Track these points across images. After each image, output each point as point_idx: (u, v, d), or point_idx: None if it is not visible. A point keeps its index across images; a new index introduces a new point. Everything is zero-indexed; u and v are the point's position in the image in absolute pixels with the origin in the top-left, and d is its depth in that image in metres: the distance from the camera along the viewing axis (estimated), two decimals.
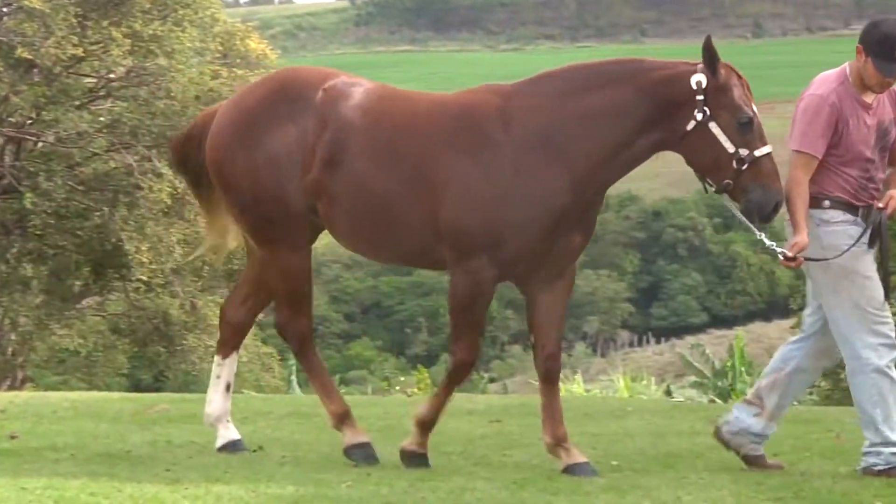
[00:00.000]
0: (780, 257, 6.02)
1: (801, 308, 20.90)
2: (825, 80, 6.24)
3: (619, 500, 5.45)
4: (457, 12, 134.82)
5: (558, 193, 5.91)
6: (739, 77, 5.98)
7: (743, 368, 23.33)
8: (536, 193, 5.88)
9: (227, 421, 6.62)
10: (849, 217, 6.18)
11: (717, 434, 6.51)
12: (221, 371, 6.61)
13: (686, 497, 5.45)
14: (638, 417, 8.40)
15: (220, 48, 22.34)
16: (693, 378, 27.36)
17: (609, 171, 6.10)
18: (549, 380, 6.14)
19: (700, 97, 5.89)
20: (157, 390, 22.38)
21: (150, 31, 19.57)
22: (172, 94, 19.84)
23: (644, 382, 24.52)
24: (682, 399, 21.16)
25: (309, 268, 6.40)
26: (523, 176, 5.88)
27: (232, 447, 6.55)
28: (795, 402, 6.70)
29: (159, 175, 19.47)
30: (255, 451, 6.69)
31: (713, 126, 5.89)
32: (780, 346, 6.66)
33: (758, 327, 62.73)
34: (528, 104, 5.98)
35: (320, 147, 6.03)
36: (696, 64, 5.98)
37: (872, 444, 6.18)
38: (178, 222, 20.95)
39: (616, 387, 22.37)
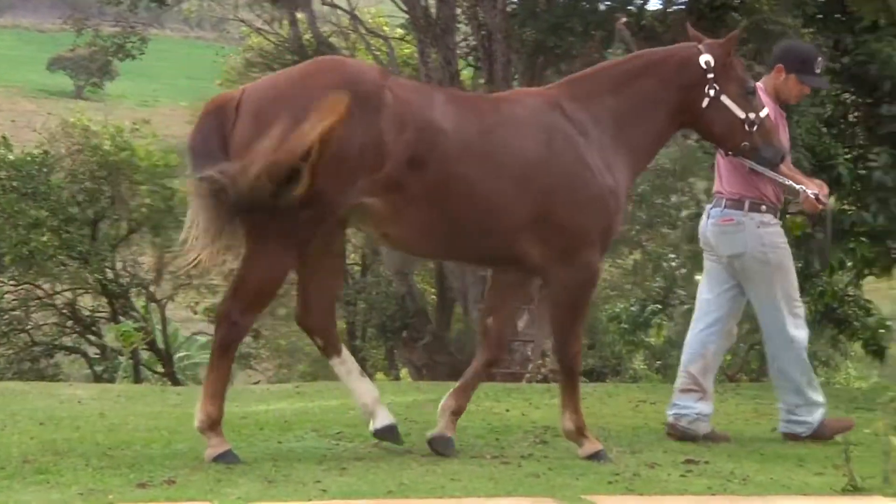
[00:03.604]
0: (813, 198, 6.60)
1: None
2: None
3: None
4: None
5: (628, 183, 6.14)
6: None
7: None
8: (621, 183, 5.96)
9: (381, 404, 6.03)
10: (776, 220, 6.82)
11: (674, 429, 6.69)
12: (347, 366, 5.99)
13: None
14: None
15: None
16: None
17: (650, 157, 6.49)
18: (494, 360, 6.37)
19: (711, 75, 6.16)
20: None
21: None
22: None
23: None
24: None
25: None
26: (611, 169, 5.90)
27: (388, 431, 5.98)
28: None
29: None
30: None
31: (724, 98, 6.18)
32: None
33: None
34: (582, 106, 5.97)
35: (400, 146, 5.49)
36: (694, 45, 6.27)
37: (796, 407, 6.81)
38: None
39: None
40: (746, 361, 21.25)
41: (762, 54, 17.92)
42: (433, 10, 19.82)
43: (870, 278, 17.90)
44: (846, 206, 12.48)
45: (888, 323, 21.20)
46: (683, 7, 18.43)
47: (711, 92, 6.17)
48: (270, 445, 6.10)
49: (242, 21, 25.48)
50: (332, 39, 22.70)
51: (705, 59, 6.18)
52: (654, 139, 6.24)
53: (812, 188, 6.69)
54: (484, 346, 6.26)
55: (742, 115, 6.22)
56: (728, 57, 6.23)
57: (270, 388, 11.50)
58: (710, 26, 17.80)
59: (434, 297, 24.06)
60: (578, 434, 5.94)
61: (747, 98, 6.25)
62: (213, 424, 5.53)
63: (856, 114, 15.06)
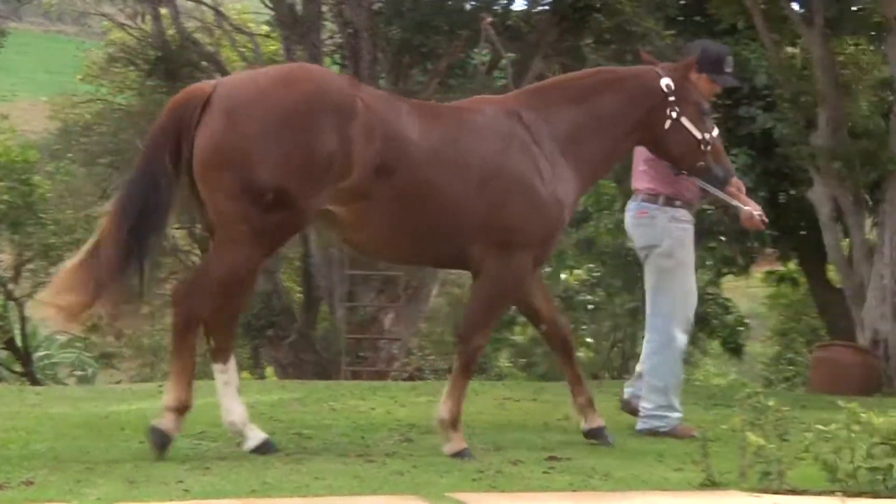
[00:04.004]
0: (758, 219, 6.89)
1: None
2: None
3: None
4: None
5: (576, 195, 6.27)
6: None
7: None
8: (569, 195, 6.10)
9: (251, 423, 5.96)
10: (690, 216, 7.04)
11: (627, 405, 7.22)
12: (227, 378, 5.93)
13: None
14: None
15: None
16: None
17: (601, 173, 6.68)
18: (570, 352, 6.55)
19: (672, 98, 6.34)
20: None
21: None
22: None
23: None
24: None
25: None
26: (560, 180, 6.03)
27: (265, 447, 5.82)
28: None
29: None
30: None
31: (684, 120, 6.37)
32: None
33: None
34: (540, 116, 6.11)
35: (369, 155, 5.61)
36: (653, 68, 6.48)
37: (658, 407, 6.96)
38: None
39: None
40: (609, 359, 21.60)
41: (624, 55, 18.26)
42: (299, 7, 19.71)
43: (729, 277, 18.36)
44: (706, 207, 12.78)
45: (746, 321, 21.74)
46: (548, 8, 18.63)
47: (673, 114, 6.37)
48: (132, 445, 6.01)
49: (104, 15, 25.00)
50: (197, 35, 22.42)
51: (665, 82, 6.38)
52: (606, 155, 6.39)
53: (755, 208, 6.96)
54: (550, 340, 6.57)
55: (699, 136, 6.43)
56: (685, 80, 6.46)
57: (133, 387, 11.32)
58: (574, 27, 18.10)
59: (300, 295, 23.92)
60: (450, 426, 5.93)
61: (703, 119, 6.48)
62: (179, 410, 5.66)
63: (715, 115, 15.38)
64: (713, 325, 19.03)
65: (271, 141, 5.47)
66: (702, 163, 6.49)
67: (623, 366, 21.37)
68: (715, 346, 21.27)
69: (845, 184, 13.78)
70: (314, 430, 6.68)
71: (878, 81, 15.65)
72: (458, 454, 5.83)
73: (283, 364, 19.74)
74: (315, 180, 5.53)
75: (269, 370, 23.88)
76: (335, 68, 22.32)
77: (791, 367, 25.03)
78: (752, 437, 4.74)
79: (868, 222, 15.61)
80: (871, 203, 15.57)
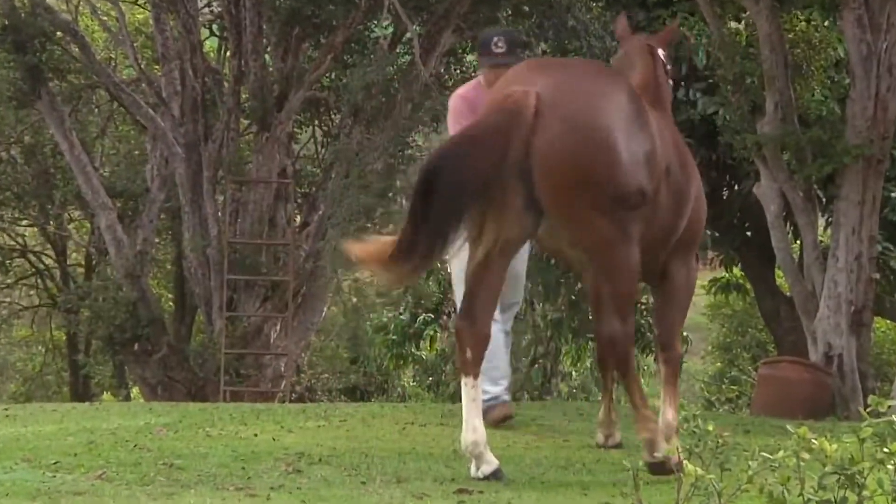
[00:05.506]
0: None
1: None
2: (464, 86, 8.23)
3: None
4: None
5: None
6: None
7: None
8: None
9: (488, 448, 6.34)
10: None
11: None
12: (476, 393, 6.33)
13: None
14: None
15: None
16: None
17: None
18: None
19: (669, 67, 7.30)
20: None
21: None
22: None
23: None
24: None
25: None
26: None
27: (497, 475, 6.22)
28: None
29: None
30: None
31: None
32: None
33: None
34: (665, 117, 6.89)
35: (665, 157, 6.31)
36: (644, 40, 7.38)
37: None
38: None
39: None
40: (529, 378, 21.68)
41: (546, 29, 18.39)
42: None
43: None
44: None
45: (684, 334, 21.99)
46: None
47: (670, 82, 7.25)
48: None
49: None
50: (51, 1, 22.13)
51: (662, 53, 7.19)
52: None
53: None
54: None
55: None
56: (664, 49, 7.26)
57: None
58: None
59: (171, 303, 23.73)
60: (671, 434, 6.44)
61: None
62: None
63: None
64: (647, 339, 19.15)
65: (620, 141, 5.96)
66: None
67: (544, 385, 21.46)
68: (649, 362, 21.43)
69: (795, 178, 13.99)
70: (187, 459, 6.63)
71: (832, 62, 15.87)
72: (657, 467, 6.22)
73: (151, 383, 19.55)
74: (654, 171, 6.15)
75: (135, 390, 23.66)
76: (213, 41, 22.20)
77: (734, 387, 25.37)
78: (690, 467, 4.79)
79: (821, 222, 15.86)
80: (824, 200, 15.84)
